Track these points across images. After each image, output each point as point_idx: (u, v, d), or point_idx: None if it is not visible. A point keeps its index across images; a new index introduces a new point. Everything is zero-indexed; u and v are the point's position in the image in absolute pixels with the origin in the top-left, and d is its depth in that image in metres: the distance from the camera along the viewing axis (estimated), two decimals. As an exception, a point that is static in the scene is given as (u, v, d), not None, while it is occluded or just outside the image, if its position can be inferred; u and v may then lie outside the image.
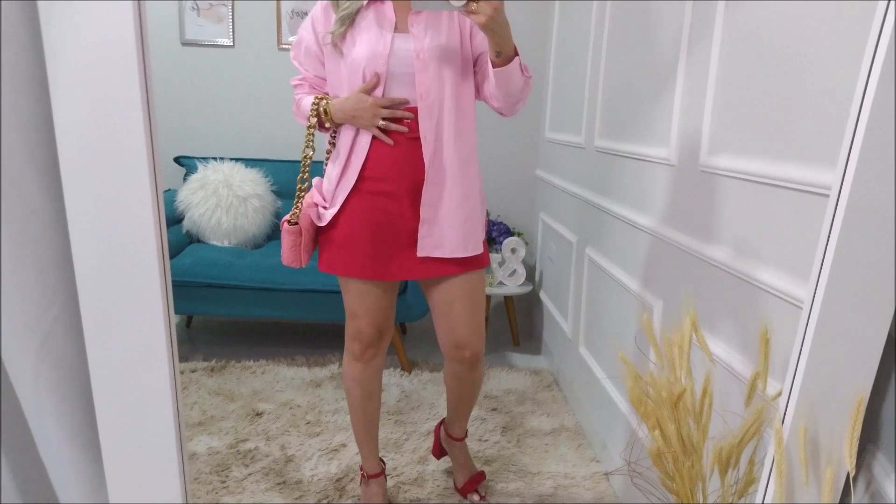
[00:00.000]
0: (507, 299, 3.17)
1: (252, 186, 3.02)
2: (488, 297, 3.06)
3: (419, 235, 1.55)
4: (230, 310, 2.73)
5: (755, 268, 1.19)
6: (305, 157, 1.58)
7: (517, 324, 3.23)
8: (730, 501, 1.02)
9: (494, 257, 3.08)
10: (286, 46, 3.19)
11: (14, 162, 0.69)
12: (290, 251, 1.59)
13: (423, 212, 1.53)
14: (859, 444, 0.93)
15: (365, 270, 1.59)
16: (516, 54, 1.42)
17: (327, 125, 1.57)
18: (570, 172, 2.66)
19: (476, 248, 1.59)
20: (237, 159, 3.11)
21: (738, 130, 1.30)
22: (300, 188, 1.61)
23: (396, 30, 1.49)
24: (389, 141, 1.50)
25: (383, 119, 1.49)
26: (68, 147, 0.73)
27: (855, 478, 0.92)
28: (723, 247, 1.34)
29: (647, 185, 1.77)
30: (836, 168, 0.77)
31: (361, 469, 1.84)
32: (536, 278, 3.25)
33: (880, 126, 0.73)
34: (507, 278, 3.10)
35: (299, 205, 1.60)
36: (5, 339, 0.76)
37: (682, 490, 1.05)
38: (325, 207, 1.60)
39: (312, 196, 1.63)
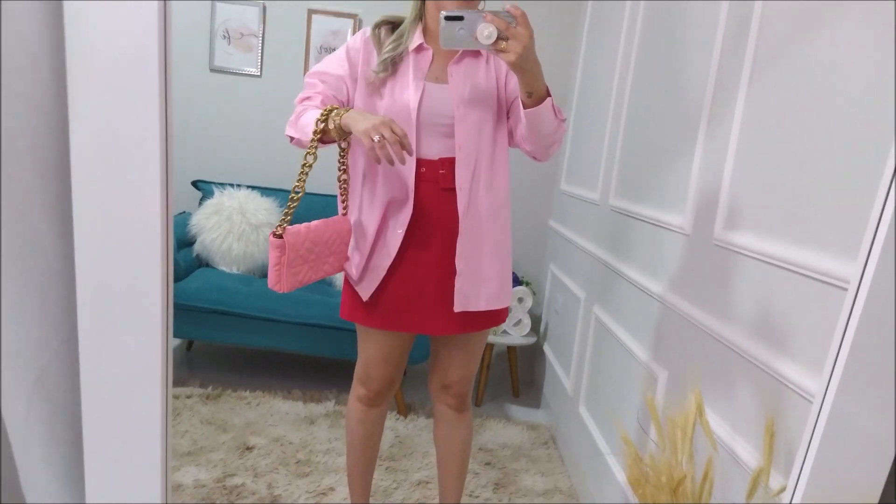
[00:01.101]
0: (510, 349, 3.13)
1: (266, 215, 3.03)
2: (491, 346, 3.03)
3: (456, 288, 1.49)
4: (232, 337, 2.72)
5: (765, 352, 1.16)
6: (306, 164, 1.38)
7: (518, 374, 3.19)
8: None
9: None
10: (312, 80, 3.24)
11: (24, 197, 0.69)
12: (272, 270, 1.34)
13: (459, 264, 1.49)
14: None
15: (390, 322, 1.55)
16: (548, 95, 1.39)
17: (331, 130, 1.40)
18: (583, 227, 2.65)
19: (507, 298, 1.59)
20: (254, 187, 3.13)
21: (756, 207, 1.28)
22: (293, 197, 1.38)
23: (436, 79, 1.48)
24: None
25: (389, 139, 1.29)
26: (81, 171, 0.73)
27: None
28: (734, 325, 1.31)
29: (660, 250, 1.75)
30: (857, 262, 0.75)
31: None
32: (541, 330, 3.21)
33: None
34: (511, 327, 3.07)
35: (289, 214, 1.37)
36: (3, 370, 0.74)
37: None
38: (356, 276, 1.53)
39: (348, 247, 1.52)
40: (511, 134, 1.55)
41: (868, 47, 0.98)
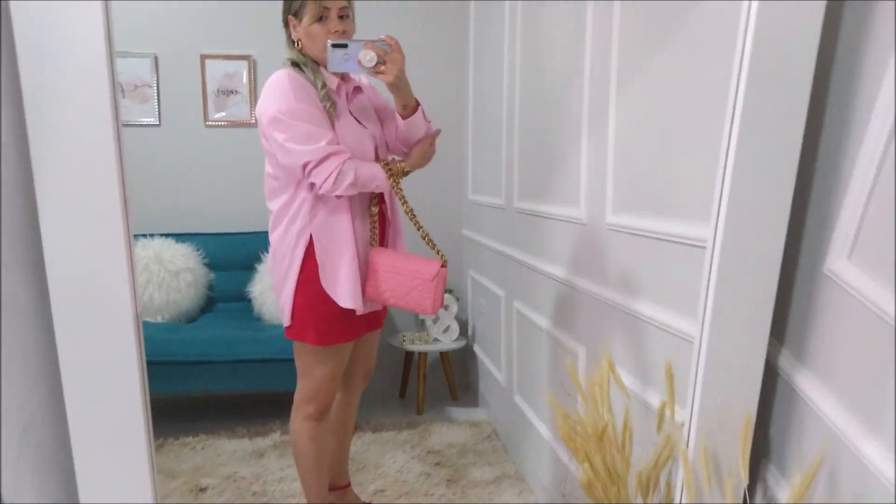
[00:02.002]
0: (443, 355, 3.27)
1: (183, 261, 3.04)
2: (424, 355, 3.16)
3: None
4: (167, 386, 2.71)
5: (659, 311, 1.36)
6: (411, 210, 1.75)
7: (454, 378, 3.33)
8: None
9: (428, 315, 3.19)
10: (212, 123, 3.28)
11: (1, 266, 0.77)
12: (441, 294, 1.72)
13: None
14: (755, 459, 1.09)
15: (359, 330, 1.77)
16: (418, 105, 1.70)
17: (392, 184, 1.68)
18: (493, 232, 2.85)
19: None
20: (167, 235, 3.13)
21: (635, 193, 1.49)
22: (425, 235, 1.77)
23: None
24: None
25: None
26: (52, 237, 0.81)
27: (752, 488, 1.08)
28: (632, 295, 1.51)
29: (563, 241, 1.96)
30: (710, 224, 0.95)
31: None
32: (470, 333, 3.38)
33: (741, 189, 0.91)
34: (441, 334, 3.22)
35: (438, 250, 1.75)
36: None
37: (614, 517, 1.18)
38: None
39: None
40: (389, 147, 1.82)
41: (713, 45, 1.20)
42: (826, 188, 0.94)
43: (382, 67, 1.55)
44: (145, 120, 3.25)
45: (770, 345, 1.04)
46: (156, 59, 3.18)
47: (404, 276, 1.67)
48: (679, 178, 1.29)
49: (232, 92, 3.25)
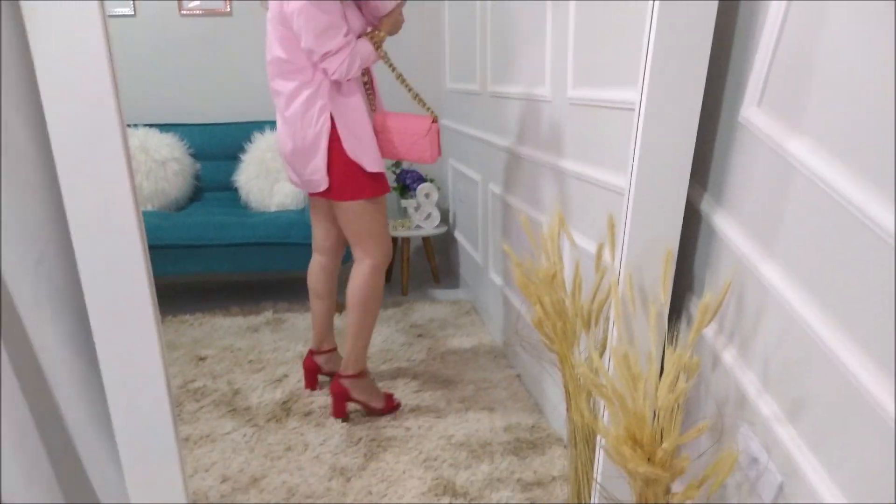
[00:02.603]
0: (426, 241, 3.43)
1: (169, 150, 3.12)
2: (407, 240, 3.31)
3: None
4: (159, 269, 2.84)
5: (606, 173, 1.49)
6: (401, 75, 1.98)
7: (436, 263, 3.51)
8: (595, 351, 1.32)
9: (410, 203, 3.32)
10: (186, 13, 3.26)
11: (2, 113, 0.87)
12: (436, 146, 1.96)
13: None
14: (681, 293, 1.25)
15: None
16: None
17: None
18: (470, 118, 2.92)
19: None
20: (151, 125, 3.18)
21: (589, 68, 1.58)
22: (415, 94, 2.02)
23: None
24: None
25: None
26: (58, 124, 0.92)
27: (678, 316, 1.24)
28: (588, 164, 1.63)
29: (531, 120, 2.05)
30: (637, 88, 1.05)
31: (367, 371, 2.13)
32: (451, 220, 3.52)
33: (662, 51, 1.01)
34: (423, 221, 3.36)
35: (428, 107, 2.00)
36: (4, 257, 0.94)
37: (560, 349, 1.35)
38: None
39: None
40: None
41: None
42: (743, 45, 1.04)
43: None
44: (120, 10, 3.22)
45: (695, 191, 1.17)
46: (125, -57, 3.11)
47: (405, 134, 1.92)
48: (620, 48, 1.38)
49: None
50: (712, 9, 1.00)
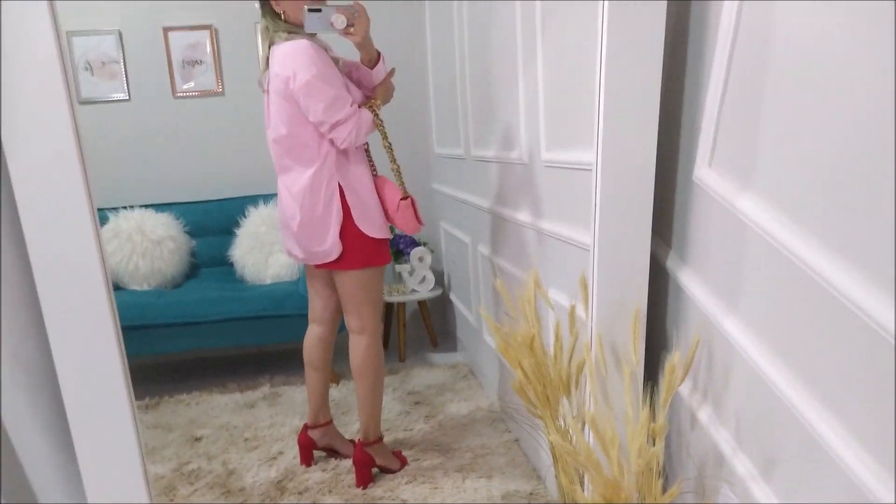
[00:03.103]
0: (422, 304, 3.43)
1: (165, 230, 3.17)
2: (403, 305, 3.32)
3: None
4: (156, 347, 2.87)
5: (576, 232, 1.50)
6: (390, 146, 1.98)
7: (433, 326, 3.50)
8: (576, 417, 1.31)
9: (404, 267, 3.35)
10: (181, 95, 3.37)
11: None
12: (412, 220, 1.99)
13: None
14: (656, 351, 1.24)
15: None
16: (380, 56, 1.97)
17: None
18: (457, 181, 2.98)
19: None
20: (146, 206, 3.25)
21: (559, 131, 1.62)
22: (396, 169, 2.00)
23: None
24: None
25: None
26: (28, 210, 0.95)
27: (655, 376, 1.23)
28: (562, 223, 1.66)
29: (511, 182, 2.09)
30: (594, 151, 1.08)
31: (380, 438, 2.17)
32: (446, 282, 3.54)
33: (613, 117, 1.05)
34: (418, 285, 3.37)
35: (402, 182, 2.00)
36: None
37: (545, 414, 1.34)
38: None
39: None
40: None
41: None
42: (692, 110, 1.07)
43: (351, 29, 1.79)
44: (116, 96, 3.33)
45: (661, 249, 1.18)
46: (120, 34, 3.25)
47: (390, 203, 2.00)
48: (585, 110, 1.42)
49: (197, 62, 3.33)
50: (657, 70, 1.04)
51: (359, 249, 1.95)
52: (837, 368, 0.76)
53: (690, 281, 1.10)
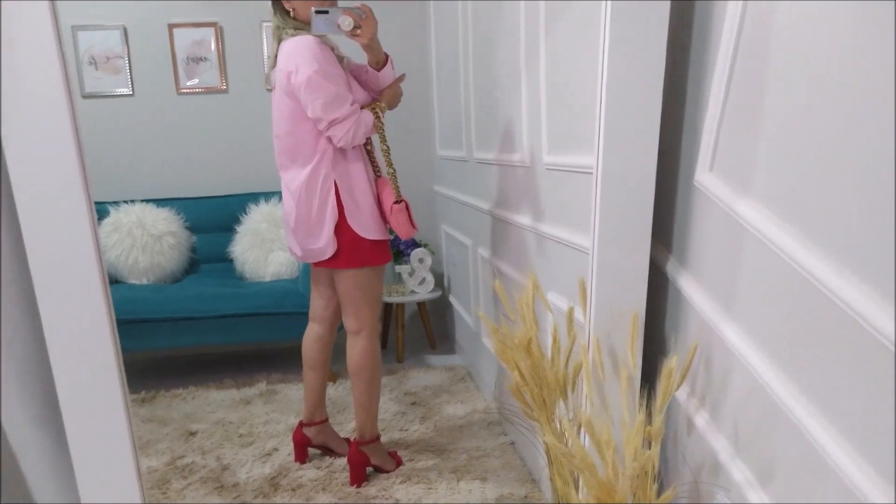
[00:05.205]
0: (421, 306, 3.43)
1: (165, 224, 3.17)
2: (402, 306, 3.31)
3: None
4: (154, 342, 2.86)
5: (577, 236, 1.50)
6: (388, 149, 1.97)
7: (433, 329, 3.49)
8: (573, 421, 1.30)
9: (405, 268, 3.34)
10: (185, 91, 3.38)
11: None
12: (406, 224, 1.97)
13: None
14: (654, 356, 1.24)
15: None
16: (388, 58, 1.96)
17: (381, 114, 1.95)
18: (459, 184, 2.97)
19: None
20: (147, 200, 3.25)
21: (561, 134, 1.62)
22: (392, 173, 1.97)
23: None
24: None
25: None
26: (25, 202, 0.95)
27: (650, 379, 1.23)
28: (563, 226, 1.65)
29: (512, 185, 2.09)
30: (594, 153, 1.08)
31: (376, 437, 2.15)
32: (445, 284, 3.53)
33: (614, 120, 1.04)
34: (417, 286, 3.37)
35: (397, 185, 1.97)
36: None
37: (539, 416, 1.33)
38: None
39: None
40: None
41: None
42: (693, 114, 1.07)
43: (358, 31, 1.79)
44: (119, 90, 3.33)
45: (661, 253, 1.18)
46: (125, 30, 3.26)
47: (385, 205, 1.99)
48: (587, 113, 1.42)
49: (201, 59, 3.33)
50: (659, 73, 1.04)
51: (354, 249, 1.94)
52: (837, 375, 0.76)
53: (689, 285, 1.09)
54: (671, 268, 1.15)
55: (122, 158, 3.40)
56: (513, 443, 2.31)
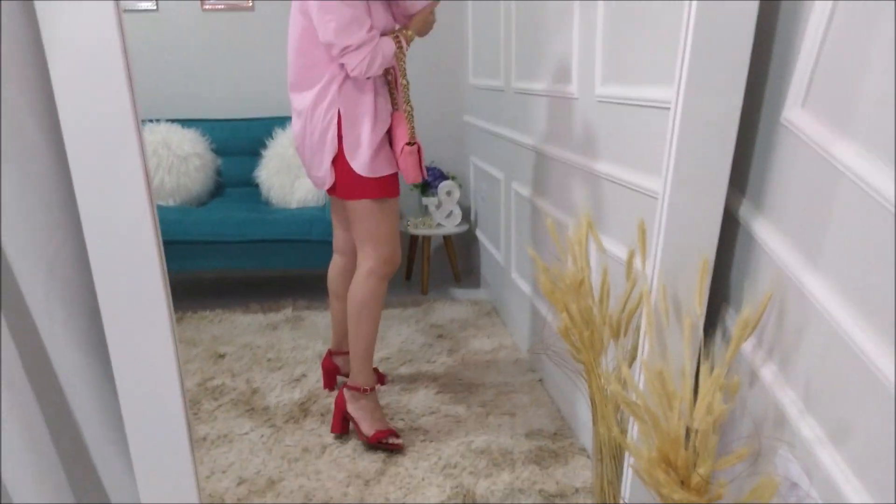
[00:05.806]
0: (447, 239, 3.38)
1: (191, 146, 3.11)
2: (428, 239, 3.27)
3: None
4: (180, 265, 2.85)
5: (637, 176, 1.43)
6: (407, 84, 1.84)
7: (457, 262, 3.46)
8: (624, 363, 1.27)
9: (431, 200, 3.28)
10: (209, 8, 3.24)
11: (16, 111, 0.84)
12: (414, 168, 1.84)
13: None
14: (717, 304, 1.19)
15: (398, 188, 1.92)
16: None
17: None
18: (493, 115, 2.87)
19: None
20: (173, 120, 3.18)
21: (619, 64, 1.52)
22: (409, 111, 1.84)
23: None
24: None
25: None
26: (72, 125, 0.89)
27: (713, 329, 1.18)
28: (618, 165, 1.57)
29: (557, 118, 1.99)
30: (673, 86, 0.99)
31: (373, 390, 1.98)
32: (472, 218, 3.47)
33: (700, 50, 0.95)
34: (444, 219, 3.31)
35: (412, 125, 1.84)
36: (17, 260, 0.92)
37: (587, 359, 1.30)
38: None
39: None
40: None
41: None
42: (786, 43, 0.97)
43: None
44: (143, 5, 3.21)
45: (733, 196, 1.11)
46: (149, -63, 3.10)
47: (396, 144, 1.85)
48: (652, 43, 1.32)
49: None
50: (753, 6, 0.94)
51: (357, 179, 1.82)
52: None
53: (765, 231, 1.03)
54: (744, 212, 1.08)
55: (145, 76, 3.29)
56: (541, 380, 2.31)
